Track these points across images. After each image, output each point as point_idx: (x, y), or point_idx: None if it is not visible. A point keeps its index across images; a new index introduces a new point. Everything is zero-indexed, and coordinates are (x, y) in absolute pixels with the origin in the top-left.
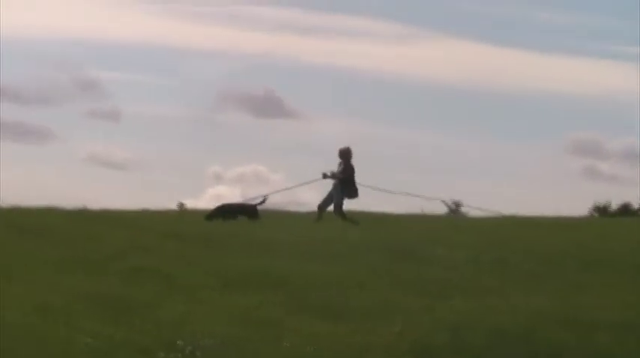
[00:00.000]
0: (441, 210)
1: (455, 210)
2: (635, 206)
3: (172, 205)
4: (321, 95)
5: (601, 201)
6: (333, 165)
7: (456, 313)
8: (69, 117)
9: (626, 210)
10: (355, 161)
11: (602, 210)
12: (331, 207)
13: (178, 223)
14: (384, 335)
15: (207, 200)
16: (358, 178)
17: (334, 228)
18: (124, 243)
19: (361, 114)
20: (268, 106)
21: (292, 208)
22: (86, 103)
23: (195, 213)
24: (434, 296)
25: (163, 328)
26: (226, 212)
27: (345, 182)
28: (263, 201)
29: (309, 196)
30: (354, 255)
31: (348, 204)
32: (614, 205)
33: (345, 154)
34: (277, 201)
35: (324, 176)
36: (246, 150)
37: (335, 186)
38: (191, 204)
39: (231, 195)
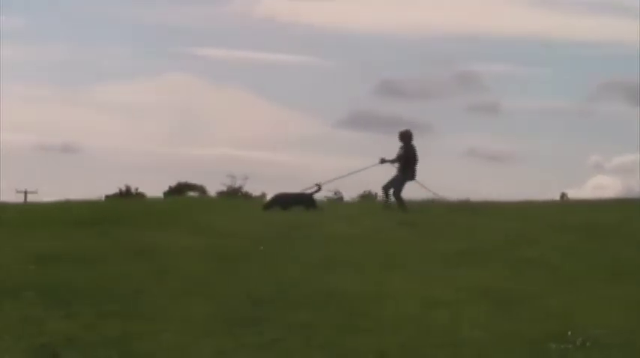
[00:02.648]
0: None
1: None
2: None
3: (555, 196)
4: None
5: None
6: None
7: None
8: (449, 112)
9: None
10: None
11: None
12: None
13: (562, 214)
14: None
15: (589, 190)
16: None
17: None
18: (509, 234)
19: None
20: None
21: None
22: (466, 97)
23: (578, 204)
24: None
25: (551, 319)
26: (282, 202)
27: (405, 165)
28: (318, 190)
29: None
30: None
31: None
32: None
33: (405, 137)
34: None
35: (382, 161)
36: (627, 139)
37: (398, 170)
38: (573, 194)
39: (613, 184)
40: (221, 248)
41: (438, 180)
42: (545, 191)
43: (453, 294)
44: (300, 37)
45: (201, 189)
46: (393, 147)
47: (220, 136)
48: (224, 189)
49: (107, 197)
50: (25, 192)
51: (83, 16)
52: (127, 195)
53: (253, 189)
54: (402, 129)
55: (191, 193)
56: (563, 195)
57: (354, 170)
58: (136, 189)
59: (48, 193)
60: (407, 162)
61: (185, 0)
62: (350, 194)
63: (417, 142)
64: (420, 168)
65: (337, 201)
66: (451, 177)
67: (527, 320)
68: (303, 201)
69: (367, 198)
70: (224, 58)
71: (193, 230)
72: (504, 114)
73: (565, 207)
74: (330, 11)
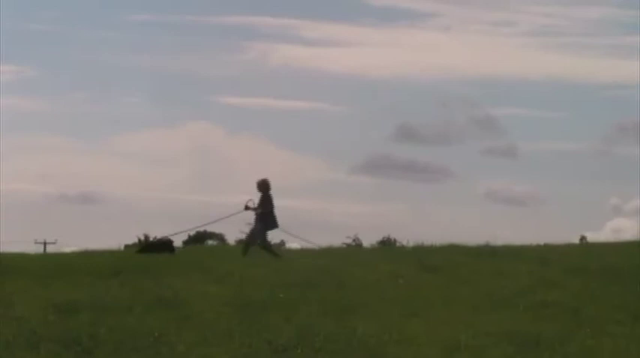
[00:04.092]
0: None
1: None
2: None
3: (574, 239)
4: None
5: None
6: None
7: None
8: (467, 155)
9: None
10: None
11: None
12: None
13: (582, 257)
14: None
15: (607, 233)
16: None
17: None
18: (530, 278)
19: None
20: None
21: None
22: (484, 141)
23: (597, 247)
24: None
25: None
26: (146, 249)
27: (264, 214)
28: (168, 239)
29: None
30: None
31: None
32: None
33: (262, 186)
34: None
35: (246, 208)
36: None
37: (255, 220)
38: (592, 237)
39: (632, 227)
40: (241, 295)
41: (457, 223)
42: (564, 234)
43: (475, 339)
44: (316, 84)
45: (220, 237)
46: (410, 192)
47: (238, 183)
48: (242, 236)
49: (126, 246)
50: (45, 243)
51: (99, 66)
52: None
53: (271, 236)
54: (260, 179)
55: (210, 241)
56: (582, 238)
57: (217, 218)
58: (155, 237)
59: (67, 243)
60: (264, 211)
61: (203, 49)
62: (369, 240)
63: (434, 187)
64: (441, 213)
65: (356, 247)
66: (470, 221)
67: None
68: (163, 247)
69: (386, 243)
70: (241, 105)
71: (213, 278)
72: (522, 157)
73: (585, 250)
74: (346, 57)
